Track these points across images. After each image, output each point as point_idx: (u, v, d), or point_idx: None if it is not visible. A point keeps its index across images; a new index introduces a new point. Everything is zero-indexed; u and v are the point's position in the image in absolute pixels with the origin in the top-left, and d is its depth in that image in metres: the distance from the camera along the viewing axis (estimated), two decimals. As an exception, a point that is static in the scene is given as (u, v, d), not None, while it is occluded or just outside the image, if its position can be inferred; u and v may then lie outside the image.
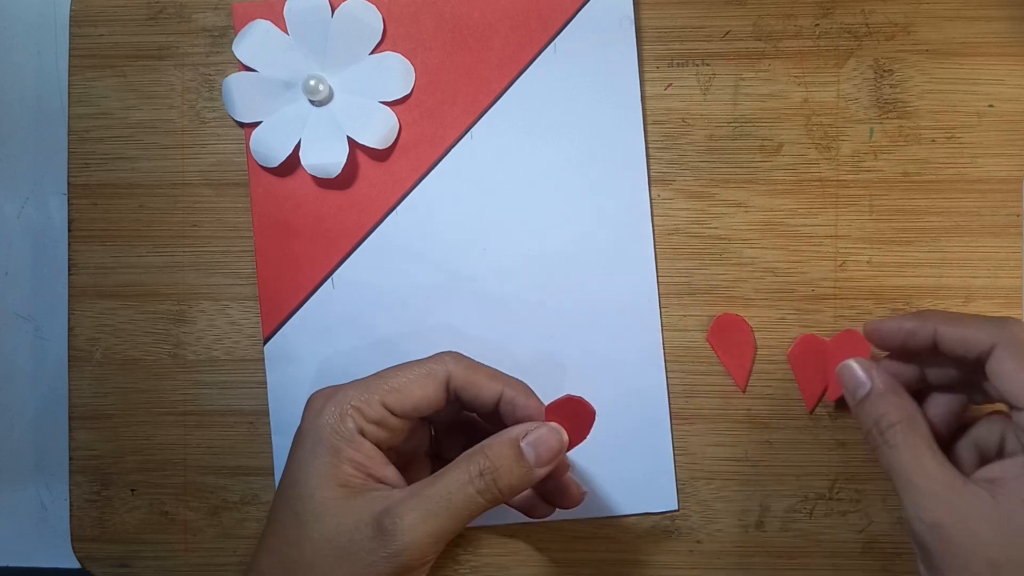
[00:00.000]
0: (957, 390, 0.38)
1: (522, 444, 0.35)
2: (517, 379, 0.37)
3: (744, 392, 0.43)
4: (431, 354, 0.37)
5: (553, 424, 0.36)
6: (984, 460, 0.37)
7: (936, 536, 0.33)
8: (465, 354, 0.37)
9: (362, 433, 0.35)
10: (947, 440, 0.38)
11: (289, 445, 0.42)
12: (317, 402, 0.36)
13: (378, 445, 0.36)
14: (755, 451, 0.43)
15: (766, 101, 0.43)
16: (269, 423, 0.43)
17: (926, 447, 0.34)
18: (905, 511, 0.34)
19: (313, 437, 0.35)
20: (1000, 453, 0.36)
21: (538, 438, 0.35)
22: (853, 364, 0.37)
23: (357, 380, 0.36)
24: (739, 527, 0.43)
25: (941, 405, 0.38)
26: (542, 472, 0.35)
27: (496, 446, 0.35)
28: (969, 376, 0.37)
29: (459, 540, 0.43)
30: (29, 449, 0.41)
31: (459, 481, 0.34)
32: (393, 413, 0.35)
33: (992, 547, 0.32)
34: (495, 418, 0.37)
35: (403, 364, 0.37)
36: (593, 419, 0.37)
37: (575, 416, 0.37)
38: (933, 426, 0.36)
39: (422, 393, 0.36)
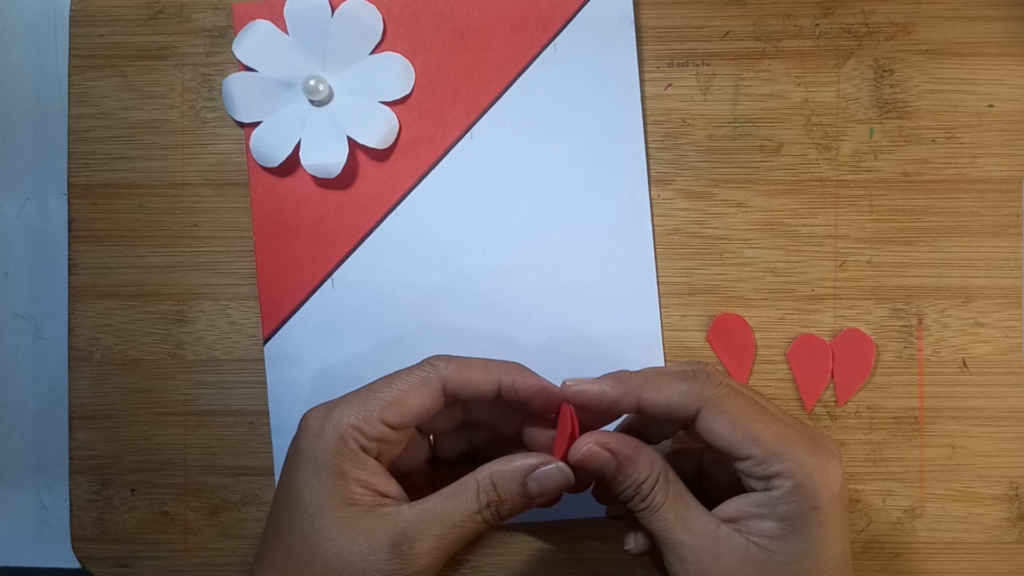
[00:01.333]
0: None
1: (528, 481, 0.36)
2: (508, 362, 0.37)
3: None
4: (424, 357, 0.37)
5: (561, 465, 0.36)
6: (711, 485, 0.38)
7: None
8: (454, 353, 0.37)
9: (364, 451, 0.35)
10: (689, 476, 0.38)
11: (288, 445, 0.42)
12: (314, 423, 0.36)
13: (379, 460, 0.36)
14: (755, 451, 0.43)
15: (766, 101, 0.43)
16: (269, 423, 0.43)
17: (683, 498, 0.35)
18: (671, 567, 0.35)
19: (315, 460, 0.35)
20: (727, 486, 0.36)
21: (545, 477, 0.36)
22: (590, 447, 0.35)
23: (350, 395, 0.36)
24: (739, 527, 0.43)
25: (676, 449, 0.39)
26: (541, 502, 0.36)
27: (506, 481, 0.36)
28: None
29: (459, 540, 0.43)
30: (29, 449, 0.41)
31: (469, 510, 0.35)
32: (393, 428, 0.35)
33: None
34: (497, 404, 0.38)
35: (395, 374, 0.37)
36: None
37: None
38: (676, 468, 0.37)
39: (420, 403, 0.36)
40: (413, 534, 0.34)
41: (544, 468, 0.36)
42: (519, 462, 0.36)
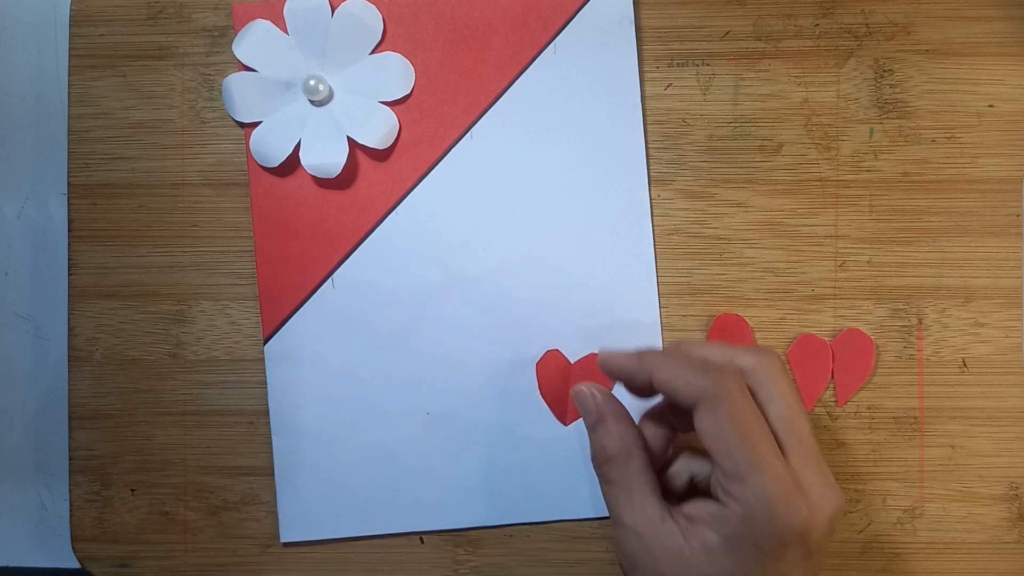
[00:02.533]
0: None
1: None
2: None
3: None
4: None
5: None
6: (695, 483, 0.38)
7: (630, 567, 0.35)
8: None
9: None
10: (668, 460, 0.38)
11: (289, 445, 0.42)
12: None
13: None
14: (755, 451, 0.43)
15: (766, 101, 0.43)
16: (269, 423, 0.43)
17: (637, 483, 0.35)
18: (613, 539, 0.36)
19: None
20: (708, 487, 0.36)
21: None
22: (584, 390, 0.37)
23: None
24: (739, 527, 0.43)
25: (673, 424, 0.38)
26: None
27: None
28: None
29: (459, 540, 0.43)
30: (29, 449, 0.41)
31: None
32: None
33: None
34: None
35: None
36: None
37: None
38: (659, 447, 0.37)
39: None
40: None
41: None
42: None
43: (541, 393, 0.43)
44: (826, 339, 0.43)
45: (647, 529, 0.34)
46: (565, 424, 0.43)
